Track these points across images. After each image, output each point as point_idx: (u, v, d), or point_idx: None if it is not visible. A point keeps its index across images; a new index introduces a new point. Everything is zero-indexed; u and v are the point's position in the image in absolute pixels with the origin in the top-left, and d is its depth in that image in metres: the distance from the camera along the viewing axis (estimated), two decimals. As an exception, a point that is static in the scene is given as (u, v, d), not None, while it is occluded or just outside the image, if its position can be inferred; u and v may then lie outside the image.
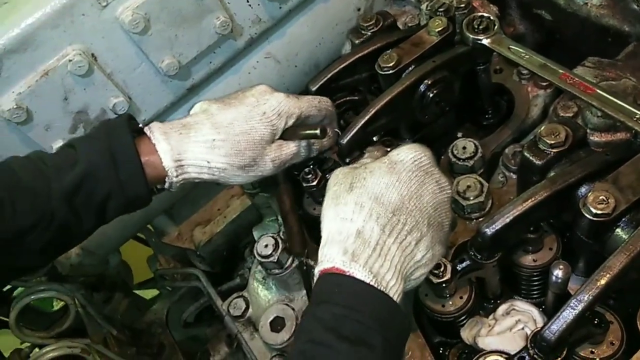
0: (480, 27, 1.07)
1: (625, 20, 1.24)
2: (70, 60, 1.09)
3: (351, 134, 1.04)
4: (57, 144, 1.15)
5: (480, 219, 1.04)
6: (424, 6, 1.30)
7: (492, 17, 1.07)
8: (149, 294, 1.93)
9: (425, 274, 0.85)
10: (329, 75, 1.14)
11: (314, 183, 1.07)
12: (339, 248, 0.78)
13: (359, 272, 0.76)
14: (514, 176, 1.11)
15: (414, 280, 0.85)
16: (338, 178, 0.87)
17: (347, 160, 1.07)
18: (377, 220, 0.80)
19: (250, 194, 1.26)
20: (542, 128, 0.90)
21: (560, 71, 0.92)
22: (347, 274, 0.76)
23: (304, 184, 1.08)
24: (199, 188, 1.53)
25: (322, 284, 0.78)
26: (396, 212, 0.81)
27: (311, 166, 1.08)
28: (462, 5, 1.19)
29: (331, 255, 0.78)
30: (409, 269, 0.82)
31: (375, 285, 0.75)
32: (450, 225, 0.90)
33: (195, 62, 1.26)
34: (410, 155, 0.86)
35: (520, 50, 1.00)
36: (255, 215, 1.46)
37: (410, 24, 1.38)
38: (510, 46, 1.02)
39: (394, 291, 0.77)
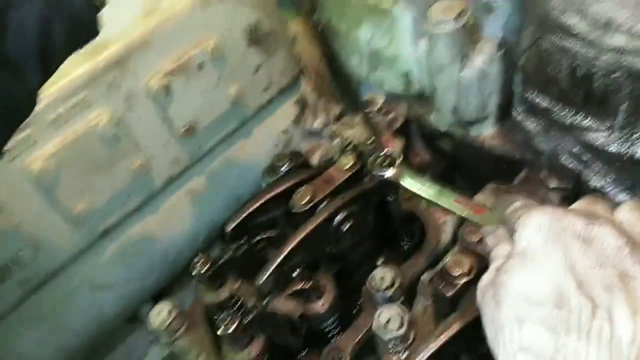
0: (385, 162, 1.14)
1: (515, 149, 1.37)
2: (-30, 215, 1.04)
3: (267, 274, 1.03)
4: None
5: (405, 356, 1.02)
6: (335, 142, 1.38)
7: (394, 154, 1.14)
8: None
9: None
10: (243, 215, 1.15)
11: (231, 330, 1.02)
12: None
13: None
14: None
15: None
16: (479, 298, 0.73)
17: (265, 301, 1.05)
18: (541, 325, 0.64)
19: (167, 343, 1.18)
20: (447, 260, 0.93)
21: (453, 196, 0.98)
22: None
23: (220, 332, 1.03)
24: (113, 336, 1.42)
25: None
26: (560, 303, 0.65)
27: (227, 311, 1.04)
28: (369, 142, 1.27)
29: None
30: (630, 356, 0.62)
31: None
32: None
33: (109, 206, 1.24)
34: (531, 231, 0.71)
35: (417, 182, 1.07)
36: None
37: (324, 158, 1.45)
38: (410, 178, 1.08)
39: None
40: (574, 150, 1.20)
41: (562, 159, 1.24)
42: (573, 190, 1.21)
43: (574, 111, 1.14)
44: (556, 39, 1.05)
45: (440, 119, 1.40)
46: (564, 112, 1.16)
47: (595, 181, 1.20)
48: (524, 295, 0.67)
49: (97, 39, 1.19)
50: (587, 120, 1.13)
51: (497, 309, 0.69)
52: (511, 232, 0.77)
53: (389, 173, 1.14)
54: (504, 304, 0.68)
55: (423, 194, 1.07)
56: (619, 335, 0.62)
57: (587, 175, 1.21)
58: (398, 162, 1.14)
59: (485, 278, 0.75)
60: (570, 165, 1.23)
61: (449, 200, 1.01)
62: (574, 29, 1.00)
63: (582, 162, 1.20)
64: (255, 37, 1.42)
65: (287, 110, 1.60)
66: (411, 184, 1.10)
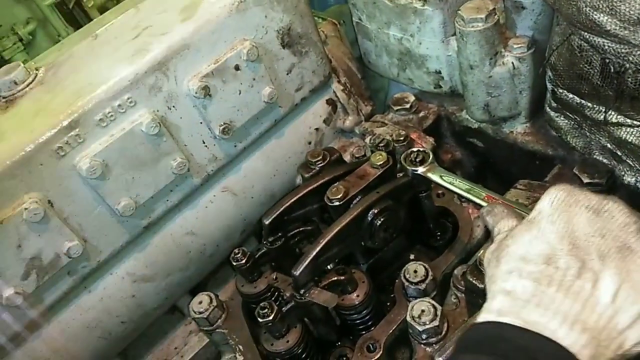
0: (417, 159, 1.17)
1: (548, 145, 1.38)
2: (26, 209, 1.11)
3: (303, 265, 1.06)
4: (8, 292, 1.13)
5: (438, 344, 1.04)
6: (367, 140, 1.41)
7: (427, 150, 1.17)
8: None
9: None
10: (280, 209, 1.19)
11: (270, 318, 1.06)
12: (482, 316, 0.70)
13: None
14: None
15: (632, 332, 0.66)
16: (487, 259, 0.79)
17: (302, 291, 1.08)
18: (528, 276, 0.69)
19: (207, 331, 1.23)
20: (480, 254, 0.96)
21: (483, 193, 1.01)
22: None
23: (261, 320, 1.07)
24: (154, 326, 1.48)
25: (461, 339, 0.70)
26: (549, 261, 0.70)
27: (267, 301, 1.08)
28: (401, 139, 1.30)
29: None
30: (601, 317, 0.66)
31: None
32: None
33: (152, 202, 1.30)
34: (545, 202, 0.75)
35: (451, 177, 1.09)
36: (213, 353, 1.42)
37: (357, 155, 1.48)
38: (442, 175, 1.11)
39: (568, 341, 0.64)
40: (607, 145, 1.20)
41: (595, 154, 1.24)
42: (607, 185, 1.21)
43: (606, 107, 1.15)
44: (587, 36, 1.07)
45: (471, 116, 1.42)
46: (596, 108, 1.17)
47: (629, 176, 1.20)
48: (520, 255, 0.72)
49: (140, 42, 1.27)
50: (620, 116, 1.14)
51: (496, 266, 0.74)
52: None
53: (421, 169, 1.17)
54: (502, 261, 0.74)
55: (454, 189, 1.09)
56: (598, 296, 0.66)
57: (621, 170, 1.21)
58: (431, 158, 1.16)
59: (491, 247, 0.80)
60: (603, 161, 1.24)
61: (480, 196, 1.03)
62: (606, 26, 1.01)
63: (615, 157, 1.20)
64: (288, 39, 1.46)
65: (318, 110, 1.63)
66: (442, 179, 1.13)
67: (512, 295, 0.69)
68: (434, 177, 1.14)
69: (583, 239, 0.70)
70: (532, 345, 0.64)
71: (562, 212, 0.73)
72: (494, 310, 0.69)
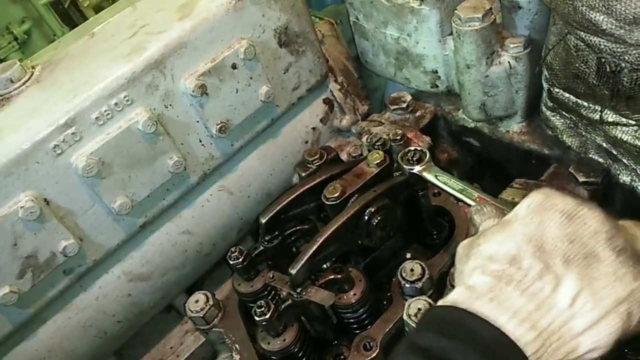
0: (414, 158, 1.17)
1: (544, 144, 1.39)
2: (22, 207, 1.10)
3: (300, 264, 1.07)
4: (3, 291, 1.12)
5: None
6: (364, 139, 1.42)
7: (424, 149, 1.17)
8: None
9: (603, 333, 0.66)
10: (277, 208, 1.19)
11: (267, 316, 1.06)
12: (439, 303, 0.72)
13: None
14: (462, 295, 1.14)
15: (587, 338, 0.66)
16: (459, 254, 0.81)
17: (299, 290, 1.09)
18: (490, 274, 0.71)
19: (203, 330, 1.23)
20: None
21: (476, 194, 1.02)
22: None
23: (257, 318, 1.07)
24: (150, 325, 1.48)
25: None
26: (513, 261, 0.71)
27: (263, 299, 1.08)
28: (398, 138, 1.31)
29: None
30: (555, 320, 0.67)
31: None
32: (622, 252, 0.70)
33: (149, 201, 1.30)
34: (523, 204, 0.76)
35: (445, 177, 1.10)
36: (209, 352, 1.42)
37: (353, 154, 1.49)
38: (437, 174, 1.12)
39: (513, 335, 0.65)
40: (603, 145, 1.21)
41: (591, 153, 1.25)
42: (602, 184, 1.22)
43: (601, 106, 1.16)
44: (584, 36, 1.07)
45: (468, 116, 1.43)
46: (592, 108, 1.18)
47: (625, 175, 1.21)
48: (488, 254, 0.74)
49: (137, 40, 1.27)
50: (615, 115, 1.14)
51: (465, 262, 0.77)
52: None
53: (417, 168, 1.17)
54: (471, 258, 0.76)
55: (447, 190, 1.10)
56: (556, 299, 0.67)
57: (617, 169, 1.22)
58: (427, 157, 1.17)
59: (463, 242, 0.82)
60: (599, 160, 1.24)
61: (472, 197, 1.04)
62: (602, 25, 1.01)
63: (611, 156, 1.21)
64: (285, 38, 1.46)
65: (315, 109, 1.64)
66: (436, 179, 1.13)
67: (470, 289, 0.71)
68: (429, 177, 1.14)
69: (551, 243, 0.71)
70: (477, 328, 0.67)
71: (535, 215, 0.74)
72: (449, 300, 0.72)
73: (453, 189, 1.09)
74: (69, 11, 4.85)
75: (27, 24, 4.50)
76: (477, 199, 1.01)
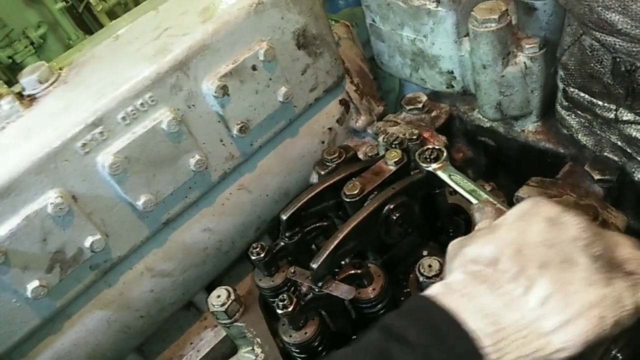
0: (432, 156, 1.20)
1: (559, 143, 1.41)
2: (51, 203, 1.14)
3: (322, 258, 1.09)
4: (33, 285, 1.16)
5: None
6: (380, 139, 1.44)
7: (442, 148, 1.20)
8: None
9: (572, 335, 0.68)
10: (298, 205, 1.22)
11: (290, 309, 1.09)
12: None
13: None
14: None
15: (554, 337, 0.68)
16: (448, 253, 0.86)
17: (320, 284, 1.11)
18: (466, 272, 0.76)
19: (225, 325, 1.26)
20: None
21: (484, 196, 1.05)
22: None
23: (280, 311, 1.10)
24: (170, 321, 1.51)
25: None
26: (490, 264, 0.75)
27: (286, 293, 1.11)
28: (414, 137, 1.33)
29: None
30: (523, 318, 0.69)
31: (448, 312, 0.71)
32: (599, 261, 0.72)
33: (172, 198, 1.33)
34: (512, 211, 0.80)
35: (458, 177, 1.13)
36: (229, 348, 1.45)
37: (370, 154, 1.51)
38: (451, 174, 1.15)
39: (473, 326, 0.69)
40: (618, 143, 1.23)
41: (606, 152, 1.27)
42: (617, 182, 1.24)
43: (616, 105, 1.18)
44: (599, 36, 1.09)
45: (483, 115, 1.45)
46: (607, 107, 1.20)
47: (639, 173, 1.23)
48: (471, 256, 0.78)
49: (161, 42, 1.31)
50: (630, 113, 1.16)
51: (451, 262, 0.82)
52: None
53: (433, 166, 1.20)
54: (456, 259, 0.81)
55: (459, 189, 1.12)
56: (527, 300, 0.71)
57: (631, 167, 1.23)
58: (444, 155, 1.19)
59: (453, 242, 0.87)
60: (614, 159, 1.26)
61: (480, 199, 1.06)
62: (617, 25, 1.03)
63: (626, 154, 1.23)
64: (304, 41, 1.49)
65: (332, 110, 1.67)
66: (449, 178, 1.15)
67: (446, 285, 0.77)
68: (443, 176, 1.17)
69: (530, 247, 0.74)
70: (437, 315, 0.72)
71: (520, 220, 0.78)
72: (427, 293, 0.77)
73: (464, 189, 1.12)
74: (83, 16, 4.93)
75: (42, 28, 4.57)
76: (484, 201, 1.04)
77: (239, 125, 1.39)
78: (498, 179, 1.55)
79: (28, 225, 1.13)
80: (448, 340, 0.70)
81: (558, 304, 0.69)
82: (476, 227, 0.92)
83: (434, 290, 0.77)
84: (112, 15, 4.71)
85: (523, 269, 0.73)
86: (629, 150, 1.21)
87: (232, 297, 1.23)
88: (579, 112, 1.28)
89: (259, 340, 1.22)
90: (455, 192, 1.38)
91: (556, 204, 0.79)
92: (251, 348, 1.28)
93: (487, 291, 0.73)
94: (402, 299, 1.26)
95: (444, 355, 0.69)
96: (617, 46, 1.07)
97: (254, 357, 1.25)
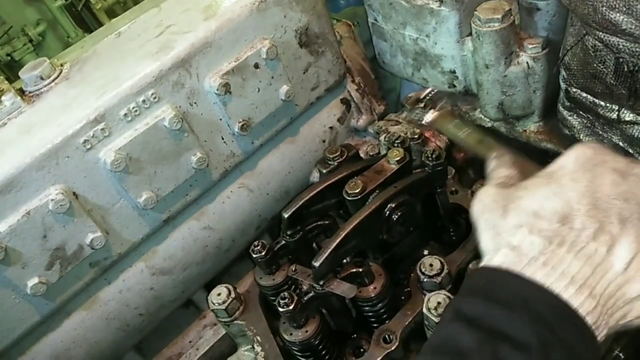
0: (434, 155, 1.19)
1: (561, 144, 1.41)
2: (52, 200, 1.13)
3: (324, 257, 1.09)
4: (32, 281, 1.16)
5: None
6: (382, 138, 1.44)
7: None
8: None
9: None
10: (300, 203, 1.22)
11: (291, 307, 1.09)
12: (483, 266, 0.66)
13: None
14: (481, 290, 1.16)
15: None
16: (485, 203, 0.73)
17: (321, 282, 1.11)
18: (539, 233, 0.65)
19: (225, 323, 1.26)
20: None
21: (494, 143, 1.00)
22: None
23: (281, 309, 1.09)
24: (169, 319, 1.50)
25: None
26: (565, 220, 0.65)
27: (287, 291, 1.11)
28: (416, 137, 1.33)
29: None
30: (610, 285, 0.62)
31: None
32: None
33: (172, 196, 1.33)
34: (569, 157, 0.71)
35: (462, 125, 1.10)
36: (228, 347, 1.44)
37: (371, 153, 1.51)
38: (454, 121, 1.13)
39: (573, 304, 0.61)
40: (620, 144, 1.23)
41: (608, 152, 1.27)
42: (619, 183, 1.23)
43: (619, 106, 1.18)
44: (602, 36, 1.09)
45: (485, 115, 1.45)
46: (609, 107, 1.20)
47: (641, 174, 1.23)
48: (533, 210, 0.67)
49: (163, 40, 1.30)
50: (632, 114, 1.16)
51: (503, 216, 0.69)
52: None
53: (432, 114, 1.16)
54: (511, 213, 0.69)
55: (464, 139, 1.09)
56: (612, 262, 0.63)
57: (633, 168, 1.23)
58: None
59: (488, 189, 0.76)
60: (615, 159, 1.26)
61: (491, 150, 0.95)
62: (622, 25, 1.03)
63: (627, 155, 1.23)
64: (306, 39, 1.49)
65: (333, 108, 1.66)
66: (454, 126, 1.13)
67: (517, 251, 0.65)
68: (448, 127, 1.13)
69: (605, 201, 0.66)
70: (532, 296, 0.62)
71: (586, 170, 0.68)
72: (495, 262, 0.66)
73: (470, 139, 1.07)
74: (82, 14, 4.92)
75: (41, 26, 4.57)
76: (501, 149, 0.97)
77: (241, 123, 1.39)
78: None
79: (29, 222, 1.12)
80: (559, 332, 0.60)
81: None
82: (493, 174, 0.80)
83: (505, 259, 0.65)
84: (111, 13, 4.71)
85: (602, 225, 0.64)
86: (630, 150, 1.21)
87: (233, 295, 1.22)
88: (581, 112, 1.28)
89: (258, 338, 1.22)
90: (457, 191, 1.39)
91: (617, 154, 0.71)
92: (251, 346, 1.27)
93: (570, 255, 0.63)
94: (402, 298, 1.26)
95: (564, 352, 0.60)
96: (621, 46, 1.07)
97: (254, 356, 1.24)
